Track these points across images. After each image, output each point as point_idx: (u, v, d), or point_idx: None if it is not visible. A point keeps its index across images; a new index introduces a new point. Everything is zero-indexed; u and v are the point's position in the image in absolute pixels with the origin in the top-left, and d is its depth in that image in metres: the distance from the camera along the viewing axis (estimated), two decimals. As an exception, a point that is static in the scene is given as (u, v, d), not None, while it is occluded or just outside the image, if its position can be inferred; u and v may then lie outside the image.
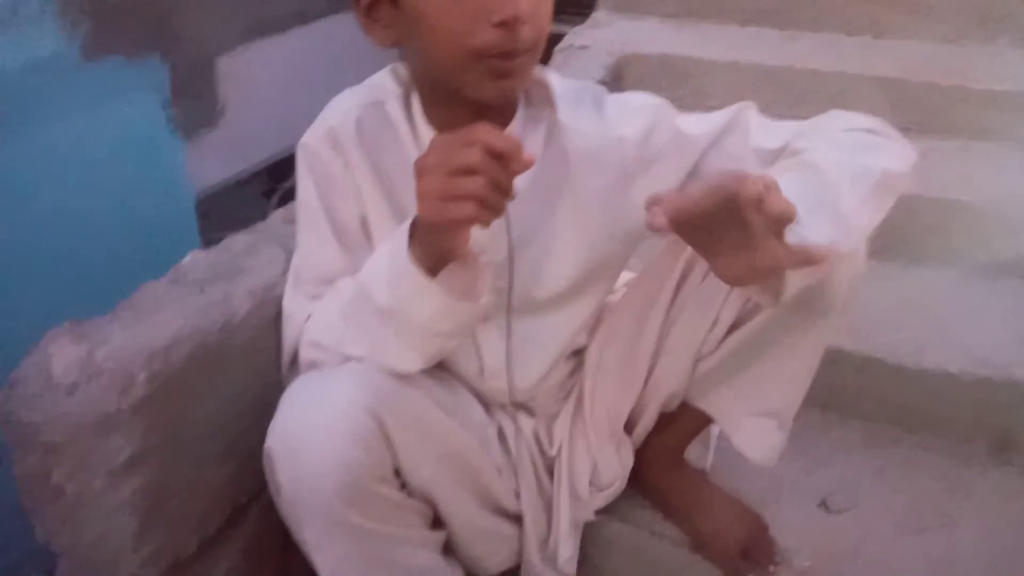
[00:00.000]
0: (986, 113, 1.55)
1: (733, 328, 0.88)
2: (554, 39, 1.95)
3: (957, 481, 1.15)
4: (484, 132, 0.64)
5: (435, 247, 0.72)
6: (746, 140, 0.82)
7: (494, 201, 0.65)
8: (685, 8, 1.96)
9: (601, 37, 1.87)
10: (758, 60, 1.72)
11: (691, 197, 0.59)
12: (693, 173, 0.85)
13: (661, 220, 0.59)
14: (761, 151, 0.81)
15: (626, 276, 1.03)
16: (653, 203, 0.60)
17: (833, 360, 1.22)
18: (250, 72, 2.68)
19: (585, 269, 0.90)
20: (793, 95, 1.64)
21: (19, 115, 2.05)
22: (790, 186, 0.61)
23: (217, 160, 2.60)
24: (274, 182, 2.49)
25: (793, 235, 0.60)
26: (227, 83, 2.59)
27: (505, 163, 0.64)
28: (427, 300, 0.74)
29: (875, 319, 1.28)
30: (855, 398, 1.25)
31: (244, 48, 2.66)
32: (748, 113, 0.84)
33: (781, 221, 0.58)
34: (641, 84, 1.78)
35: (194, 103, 2.51)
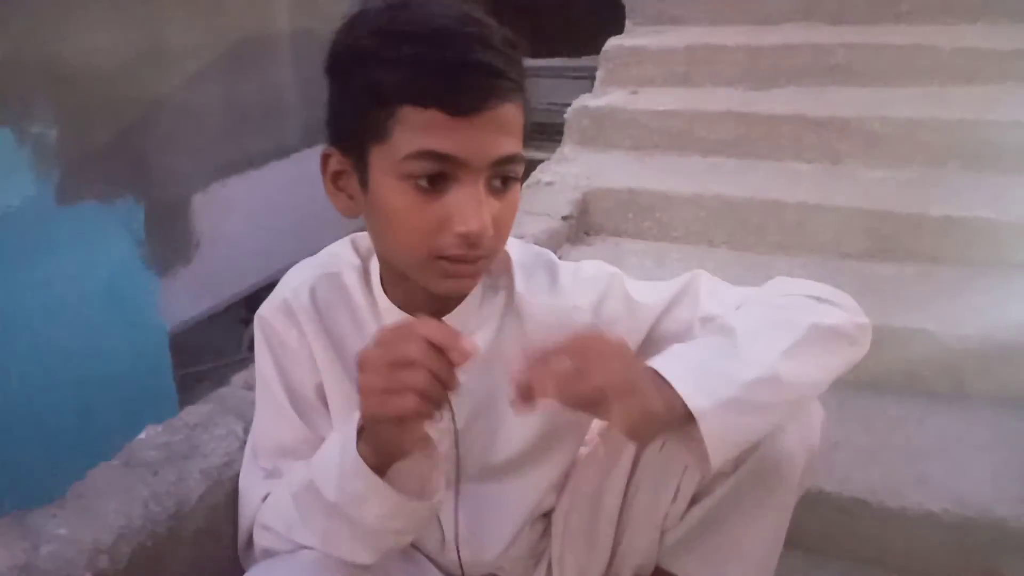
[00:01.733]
0: (943, 240, 1.58)
1: (696, 499, 0.86)
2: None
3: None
4: (423, 326, 0.64)
5: (384, 442, 0.70)
6: (695, 308, 0.83)
7: (435, 393, 0.64)
8: (649, 141, 2.03)
9: (567, 172, 1.92)
10: (719, 191, 1.76)
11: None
12: (648, 341, 0.85)
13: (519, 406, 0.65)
14: (709, 320, 0.82)
15: (597, 425, 1.01)
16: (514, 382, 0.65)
17: (815, 501, 1.21)
18: (226, 206, 2.72)
19: (540, 435, 0.88)
20: (754, 225, 1.67)
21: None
22: (703, 347, 0.71)
23: (192, 294, 2.60)
24: (250, 312, 2.50)
25: (697, 388, 0.67)
26: (202, 219, 2.62)
27: (445, 355, 0.64)
28: (376, 500, 0.72)
29: (850, 456, 1.26)
30: (838, 540, 1.21)
31: (220, 184, 2.71)
32: (699, 282, 0.85)
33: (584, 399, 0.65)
34: (607, 217, 1.82)
35: (169, 240, 2.53)
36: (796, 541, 1.21)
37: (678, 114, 2.01)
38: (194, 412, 0.97)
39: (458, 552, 0.91)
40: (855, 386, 1.43)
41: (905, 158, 1.79)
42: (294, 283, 0.89)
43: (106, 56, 2.15)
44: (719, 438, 0.68)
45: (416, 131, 0.68)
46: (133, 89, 2.27)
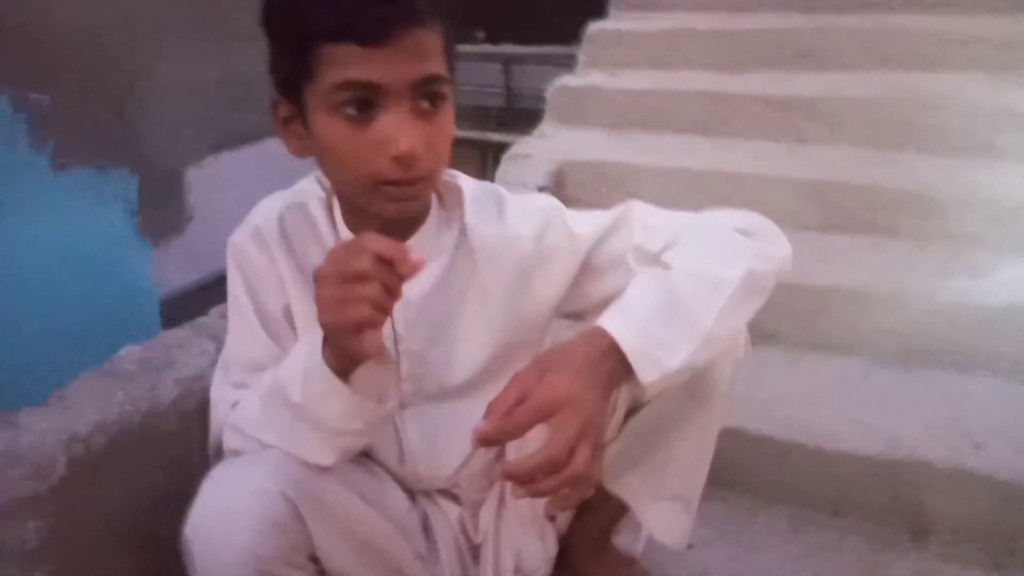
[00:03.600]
0: (897, 214, 1.66)
1: (632, 412, 0.93)
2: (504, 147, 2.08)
3: (877, 566, 1.17)
4: (372, 242, 0.70)
5: (342, 350, 0.78)
6: (629, 239, 0.90)
7: (385, 303, 0.71)
8: (624, 119, 2.11)
9: (544, 147, 2.00)
10: (687, 165, 1.84)
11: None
12: (583, 268, 0.92)
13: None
14: (641, 251, 0.88)
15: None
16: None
17: (758, 446, 1.28)
18: (219, 180, 2.79)
19: (493, 357, 0.95)
20: (719, 197, 1.74)
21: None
22: (651, 305, 0.77)
23: (183, 265, 2.67)
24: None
25: (649, 361, 0.75)
26: (195, 191, 2.69)
27: (393, 268, 0.71)
28: (335, 400, 0.79)
29: (793, 406, 1.34)
30: (780, 483, 1.29)
31: (214, 158, 2.77)
32: (633, 213, 0.91)
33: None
34: (580, 189, 1.89)
35: (162, 211, 2.60)
36: (738, 485, 1.30)
37: (653, 94, 2.08)
38: (172, 335, 1.04)
39: (425, 464, 0.98)
40: (803, 345, 1.51)
41: (865, 138, 1.87)
42: (265, 212, 0.95)
43: (101, 26, 2.22)
44: (658, 388, 0.78)
45: (335, 66, 0.74)
46: (127, 61, 2.34)
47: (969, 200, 1.63)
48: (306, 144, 0.82)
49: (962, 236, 1.62)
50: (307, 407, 0.80)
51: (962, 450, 1.21)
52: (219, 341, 1.01)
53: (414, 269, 0.70)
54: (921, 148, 1.81)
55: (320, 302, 0.73)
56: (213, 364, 0.98)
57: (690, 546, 1.20)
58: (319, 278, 0.72)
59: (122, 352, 0.99)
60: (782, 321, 1.51)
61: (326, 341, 0.78)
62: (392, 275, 0.70)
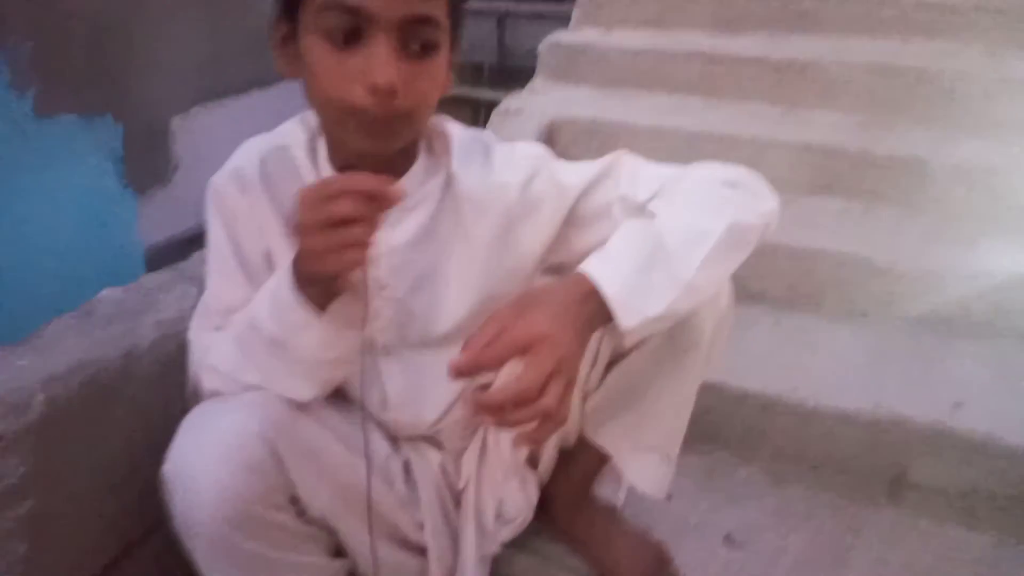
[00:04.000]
0: (888, 180, 1.65)
1: (613, 363, 0.93)
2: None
3: (853, 519, 1.19)
4: (349, 180, 0.69)
5: (323, 289, 0.77)
6: (616, 188, 0.89)
7: (369, 240, 0.71)
8: (617, 77, 2.08)
9: (536, 102, 1.97)
10: (680, 125, 1.82)
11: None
12: (569, 218, 0.91)
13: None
14: (626, 201, 0.88)
15: None
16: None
17: (740, 401, 1.30)
18: (205, 132, 2.75)
19: (478, 305, 0.94)
20: (711, 158, 1.72)
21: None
22: (634, 252, 0.77)
23: (168, 216, 2.64)
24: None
25: (630, 306, 0.75)
26: (181, 141, 2.65)
27: (375, 202, 0.70)
28: (310, 331, 0.79)
29: (780, 364, 1.35)
30: (761, 439, 1.30)
31: (201, 108, 2.73)
32: (620, 163, 0.91)
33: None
34: (571, 146, 1.88)
35: (147, 161, 2.57)
36: (720, 439, 1.31)
37: (648, 53, 2.06)
38: (152, 278, 1.03)
39: (408, 410, 0.98)
40: (791, 305, 1.51)
41: (860, 104, 1.85)
42: (246, 154, 0.94)
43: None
44: (638, 335, 0.79)
45: None
46: (113, 7, 2.29)
47: (962, 170, 1.62)
48: (294, 67, 0.81)
49: (952, 205, 1.61)
50: (282, 339, 0.80)
51: (941, 409, 1.22)
52: (201, 285, 1.00)
53: (394, 200, 0.70)
54: (916, 116, 1.80)
55: (306, 254, 0.73)
56: (194, 307, 0.97)
57: (669, 497, 1.21)
58: (301, 229, 0.72)
59: (102, 294, 0.97)
60: (769, 280, 1.51)
61: (300, 276, 0.78)
62: (374, 211, 0.69)
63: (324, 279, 0.76)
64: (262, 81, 2.96)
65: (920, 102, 1.82)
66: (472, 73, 4.00)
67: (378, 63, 0.73)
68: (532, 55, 2.25)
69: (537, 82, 2.12)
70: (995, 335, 1.40)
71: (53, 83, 2.15)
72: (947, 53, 1.90)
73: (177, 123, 2.57)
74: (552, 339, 0.71)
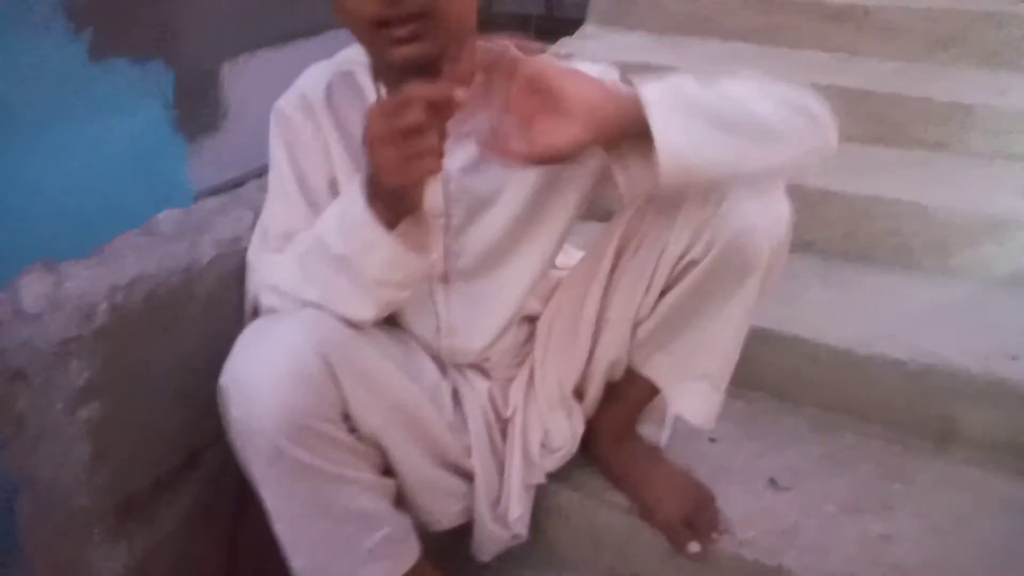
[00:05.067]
0: (947, 127, 1.60)
1: (667, 290, 0.92)
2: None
3: (898, 468, 1.18)
4: (418, 91, 0.69)
5: (396, 206, 0.78)
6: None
7: (442, 149, 0.71)
8: (671, 24, 2.04)
9: (585, 47, 1.94)
10: (734, 73, 1.78)
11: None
12: None
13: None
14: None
15: (575, 255, 1.08)
16: None
17: (788, 347, 1.28)
18: (253, 79, 2.76)
19: (528, 224, 0.95)
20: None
21: (25, 114, 2.13)
22: (688, 94, 0.77)
23: (218, 162, 2.67)
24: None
25: (669, 129, 0.74)
26: (230, 89, 2.67)
27: (441, 110, 0.70)
28: (379, 250, 0.80)
29: (830, 313, 1.33)
30: (807, 386, 1.28)
31: (249, 56, 2.74)
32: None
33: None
34: (621, 92, 1.85)
35: (197, 106, 2.59)
36: (767, 387, 1.30)
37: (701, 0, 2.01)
38: (211, 201, 1.05)
39: (460, 337, 0.99)
40: (844, 254, 1.48)
41: (919, 50, 1.79)
42: (312, 79, 0.94)
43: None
44: (671, 167, 0.74)
45: None
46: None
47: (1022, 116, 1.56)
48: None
49: (1014, 153, 1.56)
50: (349, 257, 0.81)
51: (997, 360, 1.19)
52: (256, 210, 1.02)
53: (459, 105, 0.70)
54: (977, 62, 1.74)
55: (381, 166, 0.73)
56: (251, 228, 0.99)
57: (712, 439, 1.22)
58: (372, 142, 0.72)
59: (161, 215, 1.00)
60: (823, 230, 1.48)
61: (372, 193, 0.78)
62: (442, 117, 0.70)
63: (397, 193, 0.77)
64: (307, 30, 2.95)
65: (980, 47, 1.75)
66: (518, 24, 3.95)
67: None
68: (581, 5, 2.21)
69: (588, 28, 2.09)
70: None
71: (108, 26, 2.16)
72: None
73: (227, 70, 2.58)
74: (587, 104, 0.73)
